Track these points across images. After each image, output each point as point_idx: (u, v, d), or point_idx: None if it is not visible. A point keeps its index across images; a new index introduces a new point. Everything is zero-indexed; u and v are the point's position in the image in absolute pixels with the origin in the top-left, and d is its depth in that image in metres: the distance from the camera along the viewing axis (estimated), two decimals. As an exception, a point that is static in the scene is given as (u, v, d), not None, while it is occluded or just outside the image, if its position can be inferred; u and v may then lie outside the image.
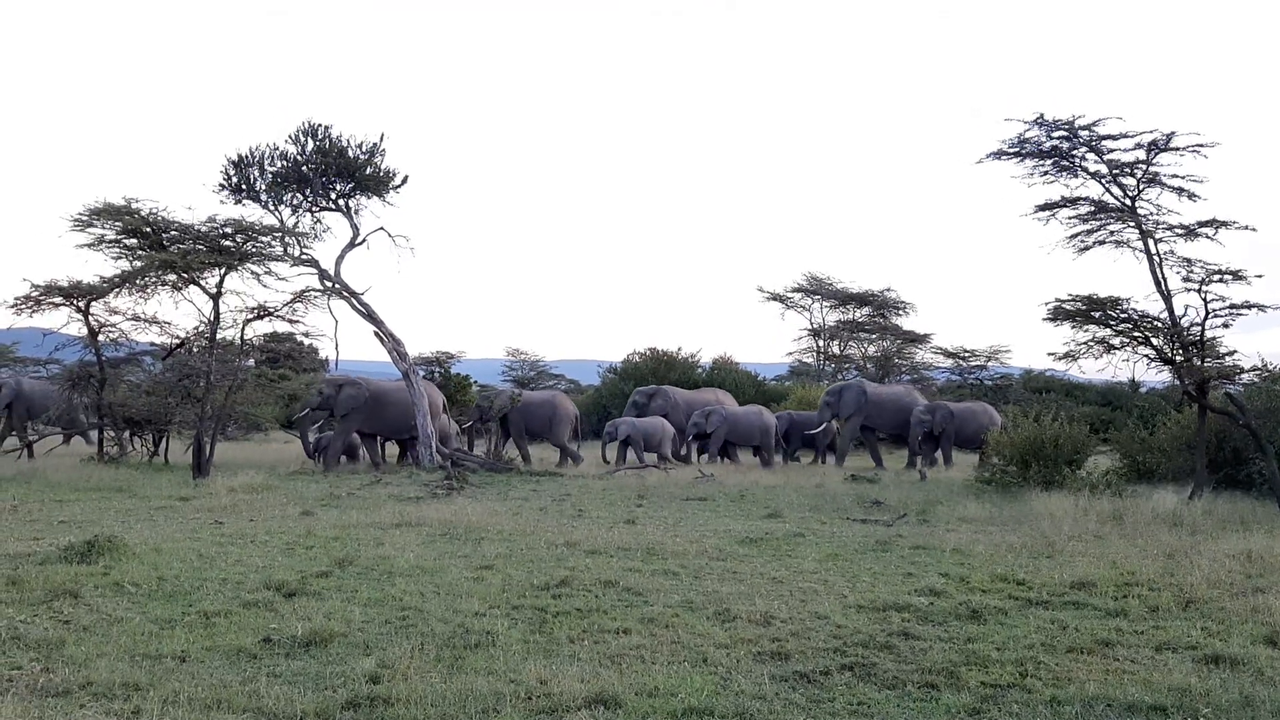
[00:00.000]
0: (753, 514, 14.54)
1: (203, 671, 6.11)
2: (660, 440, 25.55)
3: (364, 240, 25.02)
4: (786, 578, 9.27)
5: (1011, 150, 18.62)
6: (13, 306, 22.68)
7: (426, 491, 17.25)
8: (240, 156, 24.75)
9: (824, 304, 45.63)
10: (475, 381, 41.16)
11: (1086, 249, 18.82)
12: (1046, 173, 18.64)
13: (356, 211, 25.25)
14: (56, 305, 22.92)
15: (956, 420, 26.14)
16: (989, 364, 43.20)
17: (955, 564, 10.18)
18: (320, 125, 24.84)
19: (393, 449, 26.05)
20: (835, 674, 6.22)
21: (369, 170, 24.91)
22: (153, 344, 25.21)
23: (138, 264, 22.13)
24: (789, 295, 45.83)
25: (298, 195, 25.04)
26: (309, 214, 25.23)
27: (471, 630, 7.08)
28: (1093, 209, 18.49)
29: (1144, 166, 17.85)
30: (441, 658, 6.43)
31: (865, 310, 45.40)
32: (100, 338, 23.41)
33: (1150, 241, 17.70)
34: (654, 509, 15.08)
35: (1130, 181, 18.05)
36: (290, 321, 23.92)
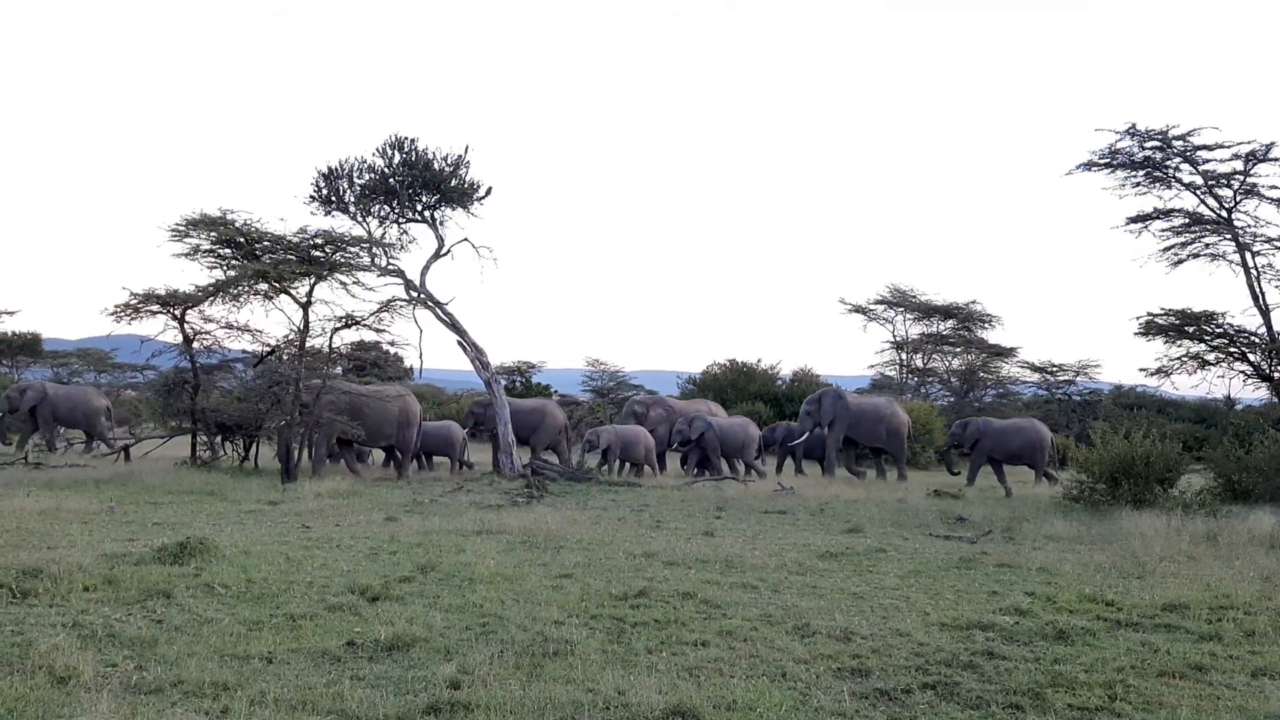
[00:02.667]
0: (833, 528, 14.38)
1: (288, 673, 6.24)
2: (639, 449, 25.51)
3: (449, 251, 25.41)
4: (867, 593, 9.16)
5: (1102, 161, 18.25)
6: (113, 314, 23.39)
7: (507, 499, 17.40)
8: (330, 169, 25.34)
9: (907, 316, 45.05)
10: (556, 391, 41.50)
11: (1180, 262, 18.36)
12: (1139, 184, 18.25)
13: (441, 223, 25.66)
14: (154, 313, 23.56)
15: (999, 436, 25.20)
16: (1077, 379, 42.24)
17: (1042, 583, 9.95)
18: (407, 138, 25.35)
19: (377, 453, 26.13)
20: (917, 692, 6.13)
21: (454, 182, 25.28)
22: (244, 351, 25.79)
23: (231, 273, 22.66)
24: (871, 307, 45.37)
25: (385, 207, 25.54)
26: (395, 225, 25.73)
27: (550, 638, 7.11)
28: (1187, 221, 18.05)
29: (1241, 177, 17.38)
30: (520, 665, 6.48)
31: (949, 323, 44.71)
32: (195, 345, 24.04)
33: (1248, 254, 17.23)
34: (732, 521, 15.01)
35: (1226, 193, 17.62)
36: (377, 330, 24.27)
